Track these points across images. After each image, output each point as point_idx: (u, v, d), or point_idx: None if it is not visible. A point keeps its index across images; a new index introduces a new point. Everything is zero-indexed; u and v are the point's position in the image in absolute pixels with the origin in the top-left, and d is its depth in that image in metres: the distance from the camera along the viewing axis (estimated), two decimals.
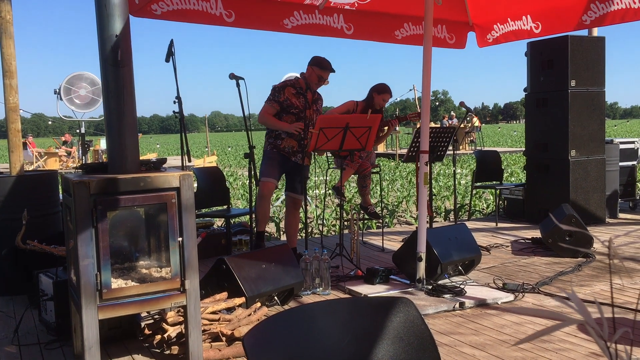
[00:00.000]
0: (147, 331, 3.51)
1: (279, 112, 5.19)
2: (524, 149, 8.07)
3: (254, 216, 5.23)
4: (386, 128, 6.16)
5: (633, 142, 8.12)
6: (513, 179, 12.89)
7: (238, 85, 4.76)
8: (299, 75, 5.37)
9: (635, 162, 8.11)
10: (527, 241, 6.23)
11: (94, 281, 2.95)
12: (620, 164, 7.65)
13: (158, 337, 3.41)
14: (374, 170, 6.31)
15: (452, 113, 32.01)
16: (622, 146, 7.76)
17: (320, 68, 5.27)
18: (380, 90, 6.06)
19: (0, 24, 4.97)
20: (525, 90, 7.49)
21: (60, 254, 3.92)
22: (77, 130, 13.05)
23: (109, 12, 3.17)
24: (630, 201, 8.08)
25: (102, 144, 19.95)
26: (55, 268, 3.95)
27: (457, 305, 4.11)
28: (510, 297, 4.30)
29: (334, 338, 1.27)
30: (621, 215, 7.61)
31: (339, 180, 5.97)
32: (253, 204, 5.09)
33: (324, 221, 7.81)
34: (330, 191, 5.86)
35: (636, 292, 4.36)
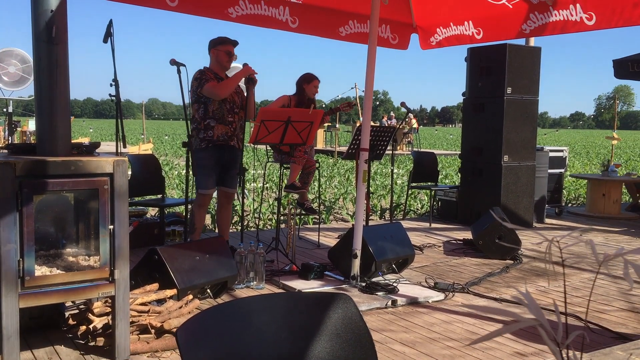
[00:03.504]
0: (71, 321, 3.37)
1: (206, 101, 5.00)
2: (459, 152, 8.27)
3: (188, 222, 5.11)
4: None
5: (562, 151, 8.46)
6: (447, 181, 13.21)
7: (179, 71, 4.63)
8: (202, 69, 5.15)
9: (562, 170, 8.46)
10: (458, 242, 6.39)
11: (16, 268, 2.81)
12: (549, 171, 7.96)
13: (83, 328, 3.28)
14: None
15: (392, 113, 32.51)
16: (551, 154, 8.07)
17: (223, 43, 5.11)
18: (309, 79, 6.10)
19: None
20: (463, 94, 7.66)
21: None
22: (4, 110, 12.41)
23: None
24: (556, 207, 8.42)
25: (30, 125, 19.07)
26: None
27: (390, 302, 4.16)
28: (440, 296, 4.39)
29: (271, 333, 1.24)
30: (547, 220, 7.92)
31: (288, 178, 5.93)
32: (190, 195, 4.97)
33: (261, 215, 7.75)
34: (284, 192, 5.81)
35: (559, 294, 4.54)
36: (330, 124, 24.08)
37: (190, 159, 4.80)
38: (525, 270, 5.27)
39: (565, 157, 8.50)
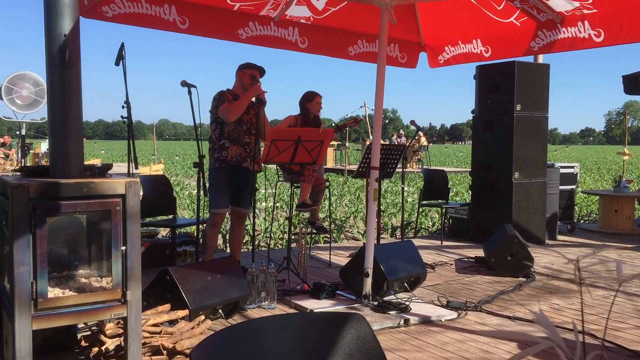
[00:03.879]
0: (83, 343, 3.37)
1: (222, 122, 5.07)
2: (469, 169, 8.25)
3: (200, 242, 5.13)
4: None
5: (572, 167, 8.42)
6: (458, 198, 13.16)
7: (190, 93, 4.67)
8: (223, 90, 5.25)
9: (574, 187, 8.41)
10: (470, 260, 6.35)
11: (29, 289, 2.82)
12: (560, 187, 7.91)
13: (95, 349, 3.28)
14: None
15: (402, 131, 32.53)
16: (562, 170, 8.03)
17: (249, 68, 5.23)
18: (310, 98, 6.13)
19: None
20: (473, 112, 7.67)
21: None
22: (17, 132, 12.55)
23: (58, 10, 3.07)
24: (568, 224, 8.36)
25: (42, 147, 19.27)
26: None
27: (402, 321, 4.13)
28: (453, 314, 4.35)
29: (284, 354, 1.24)
30: (560, 237, 7.86)
31: (299, 197, 5.93)
32: (201, 215, 4.99)
33: (272, 234, 7.74)
34: (296, 211, 5.81)
35: (573, 312, 4.49)
36: (340, 142, 24.14)
37: (201, 179, 4.83)
38: (538, 288, 5.22)
39: (576, 173, 8.46)
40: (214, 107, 5.08)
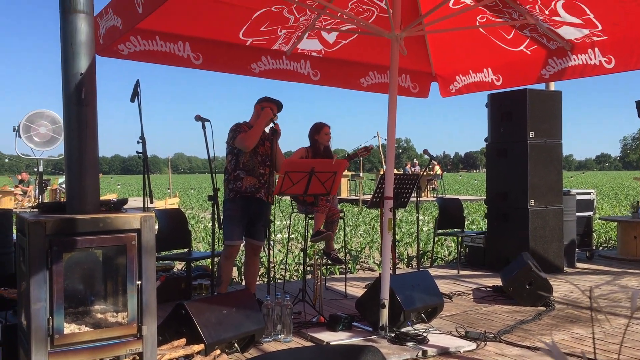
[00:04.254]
0: None
1: (238, 153, 5.14)
2: (484, 197, 8.21)
3: (216, 275, 5.13)
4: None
5: (589, 193, 8.35)
6: (474, 226, 13.06)
7: (204, 127, 4.73)
8: (240, 122, 5.33)
9: (591, 213, 8.32)
10: (488, 289, 6.26)
11: (46, 326, 2.83)
12: (577, 214, 7.83)
13: None
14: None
15: (415, 160, 32.52)
16: (578, 197, 7.96)
17: (267, 101, 5.30)
18: (318, 129, 6.16)
19: None
20: (486, 140, 7.67)
21: (11, 296, 3.76)
22: (35, 169, 12.73)
23: (75, 50, 3.15)
24: (587, 251, 8.24)
25: (59, 182, 19.51)
26: (4, 311, 3.77)
27: (420, 353, 4.07)
28: (472, 345, 4.28)
29: None
30: (579, 264, 7.74)
31: (313, 227, 5.91)
32: (216, 247, 4.99)
33: (287, 266, 7.72)
34: (310, 242, 5.80)
35: (596, 341, 4.40)
36: (354, 172, 24.17)
37: (216, 212, 4.85)
38: (558, 317, 5.13)
39: (593, 199, 8.38)
40: (231, 138, 5.16)
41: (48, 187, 19.44)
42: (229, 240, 5.07)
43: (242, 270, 5.61)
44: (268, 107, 5.23)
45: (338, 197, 18.64)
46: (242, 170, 5.14)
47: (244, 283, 5.55)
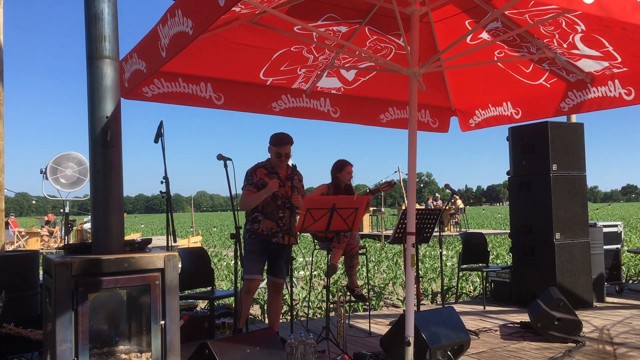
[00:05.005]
0: None
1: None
2: (508, 231, 8.11)
3: (235, 309, 5.11)
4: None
5: (616, 226, 8.20)
6: (499, 261, 12.87)
7: (226, 166, 4.79)
8: (256, 166, 5.30)
9: (619, 246, 8.16)
10: (516, 325, 6.14)
11: None
12: (605, 247, 7.68)
13: None
14: (361, 252, 6.27)
15: (437, 195, 32.34)
16: (605, 229, 7.82)
17: (273, 145, 5.20)
18: (340, 167, 6.14)
19: None
20: (508, 173, 7.62)
21: (37, 338, 3.78)
22: (61, 210, 12.94)
23: (101, 94, 3.24)
24: (616, 285, 8.06)
25: (85, 223, 19.77)
26: (30, 353, 3.80)
27: None
28: None
29: None
30: (608, 299, 7.56)
31: (330, 259, 5.88)
32: (239, 286, 4.99)
33: (310, 303, 7.66)
34: (324, 277, 5.77)
35: None
36: (375, 207, 24.10)
37: (238, 250, 4.87)
38: (589, 354, 4.99)
39: (621, 232, 8.22)
40: (244, 184, 5.19)
41: (74, 228, 19.71)
42: (248, 275, 5.08)
43: (265, 308, 5.59)
44: (276, 153, 5.16)
45: (360, 232, 18.54)
46: (260, 213, 5.15)
47: (267, 321, 5.52)
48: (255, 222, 5.12)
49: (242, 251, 4.90)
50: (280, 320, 6.07)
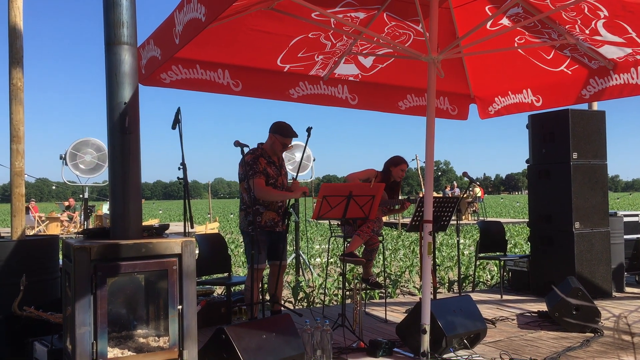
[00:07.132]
0: None
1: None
2: (527, 220, 8.04)
3: (250, 300, 5.18)
4: (398, 206, 6.24)
5: (637, 215, 8.09)
6: (517, 250, 12.78)
7: (243, 152, 4.80)
8: (259, 145, 5.28)
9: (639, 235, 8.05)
10: (533, 314, 6.10)
11: (90, 350, 2.88)
12: (625, 237, 7.59)
13: None
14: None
15: (454, 183, 32.16)
16: (626, 219, 7.72)
17: (282, 136, 5.17)
18: (397, 163, 6.14)
19: (11, 90, 5.08)
20: (527, 161, 7.54)
21: (57, 321, 3.84)
22: (80, 195, 13.08)
23: (119, 80, 3.25)
24: (636, 275, 7.96)
25: (104, 208, 19.99)
26: (50, 336, 3.86)
27: None
28: None
29: None
30: (628, 289, 7.48)
31: (348, 247, 5.88)
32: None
33: (326, 291, 7.69)
34: (341, 260, 5.78)
35: None
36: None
37: (255, 236, 4.89)
38: (607, 344, 4.95)
39: None
40: (246, 172, 5.05)
41: (93, 213, 19.94)
42: (258, 264, 5.13)
43: (268, 288, 5.60)
44: (282, 142, 5.17)
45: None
46: (261, 205, 5.15)
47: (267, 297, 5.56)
48: (258, 215, 5.13)
49: (259, 238, 4.94)
50: (297, 307, 6.10)
